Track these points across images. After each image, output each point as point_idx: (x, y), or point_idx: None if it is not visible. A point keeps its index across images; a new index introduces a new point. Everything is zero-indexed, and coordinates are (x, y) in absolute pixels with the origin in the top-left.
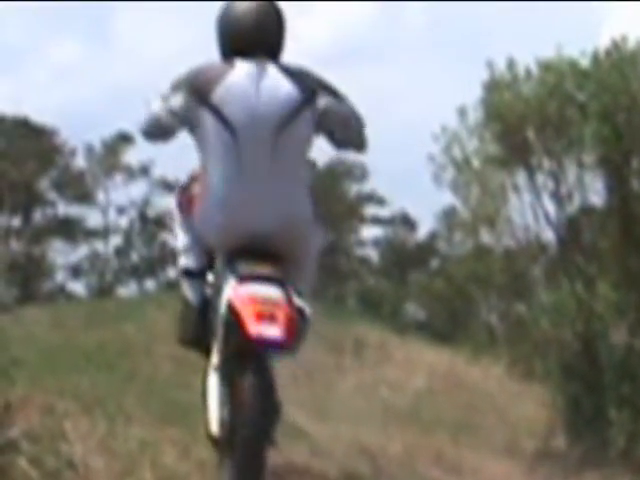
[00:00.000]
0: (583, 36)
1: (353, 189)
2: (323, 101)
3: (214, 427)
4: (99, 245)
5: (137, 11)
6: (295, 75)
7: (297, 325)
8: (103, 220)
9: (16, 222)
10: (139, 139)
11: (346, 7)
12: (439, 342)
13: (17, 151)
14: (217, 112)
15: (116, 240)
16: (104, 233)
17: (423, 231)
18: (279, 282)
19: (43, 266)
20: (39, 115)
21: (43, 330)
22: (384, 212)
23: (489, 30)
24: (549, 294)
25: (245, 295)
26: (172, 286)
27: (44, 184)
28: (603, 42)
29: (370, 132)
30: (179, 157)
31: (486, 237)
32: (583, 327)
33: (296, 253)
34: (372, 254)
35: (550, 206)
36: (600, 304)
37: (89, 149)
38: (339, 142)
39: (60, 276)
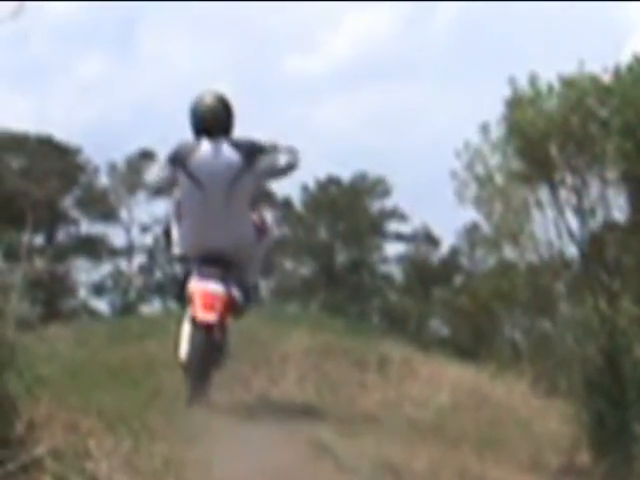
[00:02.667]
0: (605, 52)
1: (375, 205)
2: (261, 163)
3: (182, 355)
4: (122, 263)
5: (161, 28)
6: (241, 147)
7: (230, 308)
8: (126, 238)
9: (39, 240)
10: (162, 156)
11: (372, 25)
12: (463, 358)
13: (41, 169)
14: (191, 175)
15: (139, 258)
16: (127, 251)
17: (445, 247)
18: (223, 280)
19: (66, 284)
20: (63, 133)
21: (67, 348)
22: (406, 228)
23: (512, 47)
24: (572, 310)
25: (198, 289)
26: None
27: (67, 202)
28: (625, 58)
29: (393, 147)
30: None
31: (509, 253)
32: (606, 342)
33: (240, 261)
34: (395, 271)
35: (573, 222)
36: (623, 319)
37: (112, 167)
38: (276, 177)
39: (83, 294)
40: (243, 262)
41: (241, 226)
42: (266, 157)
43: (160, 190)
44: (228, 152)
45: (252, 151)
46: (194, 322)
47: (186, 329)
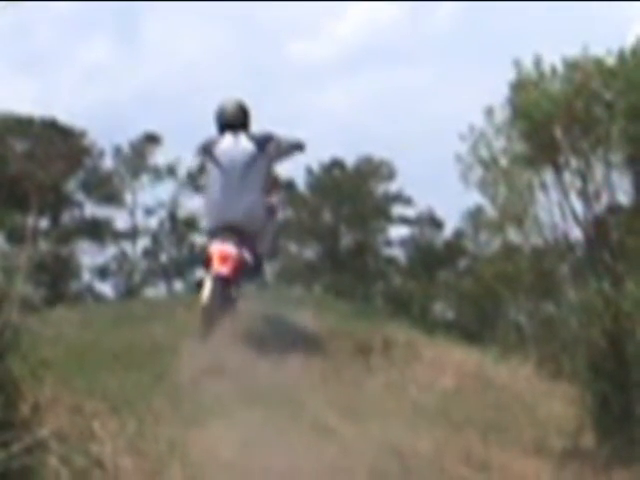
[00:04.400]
0: (609, 35)
1: (380, 189)
2: (270, 148)
3: (202, 301)
4: (127, 246)
5: (165, 13)
6: (255, 138)
7: (242, 266)
8: (131, 221)
9: (44, 223)
10: (166, 140)
11: (375, 9)
12: (467, 341)
13: (45, 153)
14: (215, 160)
15: (144, 241)
16: (132, 234)
17: (448, 230)
18: (237, 245)
19: (71, 267)
20: (67, 117)
21: (71, 331)
22: (410, 212)
23: (516, 29)
24: (577, 293)
25: (216, 249)
26: (200, 287)
27: (72, 185)
28: (629, 41)
29: (398, 131)
30: None
31: (514, 236)
32: (611, 325)
33: (252, 232)
34: (399, 254)
35: (578, 205)
36: (628, 302)
37: (117, 150)
38: (284, 156)
39: (87, 277)
40: (254, 233)
41: (253, 203)
42: (274, 142)
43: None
44: (245, 142)
45: (264, 140)
46: (213, 276)
47: (207, 283)
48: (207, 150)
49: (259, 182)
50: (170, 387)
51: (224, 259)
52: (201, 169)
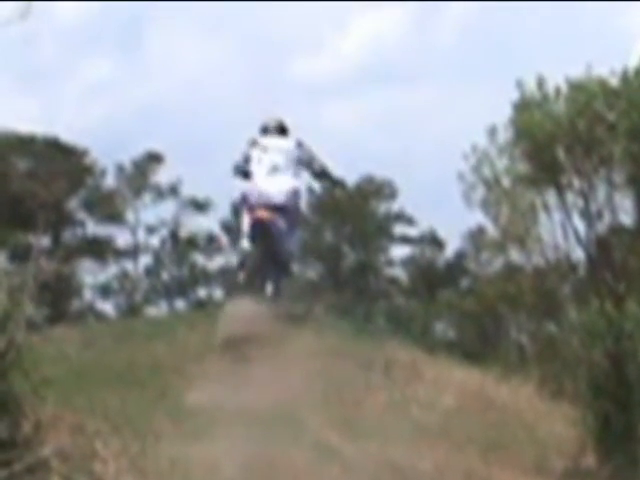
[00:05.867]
0: (613, 55)
1: (382, 208)
2: (305, 150)
3: (244, 244)
4: (128, 265)
5: (169, 29)
6: (293, 139)
7: (280, 229)
8: (132, 240)
9: (45, 242)
10: (168, 158)
11: (378, 28)
12: (469, 361)
13: (47, 171)
14: (259, 150)
15: (145, 260)
16: (133, 253)
17: (450, 250)
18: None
19: (73, 286)
20: (69, 134)
21: (73, 349)
22: (412, 231)
23: (519, 50)
24: (579, 313)
25: (259, 209)
26: (202, 306)
27: (74, 204)
28: (633, 61)
29: (400, 150)
30: (206, 176)
31: (516, 256)
32: (613, 346)
33: (286, 209)
34: (401, 273)
35: (580, 225)
36: (630, 323)
37: (119, 169)
38: (312, 170)
39: (89, 295)
40: (288, 211)
41: (290, 186)
42: (310, 150)
43: (237, 168)
44: (283, 139)
45: (299, 142)
46: (252, 221)
47: (245, 242)
48: (254, 142)
49: (292, 170)
50: (172, 405)
51: (265, 210)
52: (246, 159)
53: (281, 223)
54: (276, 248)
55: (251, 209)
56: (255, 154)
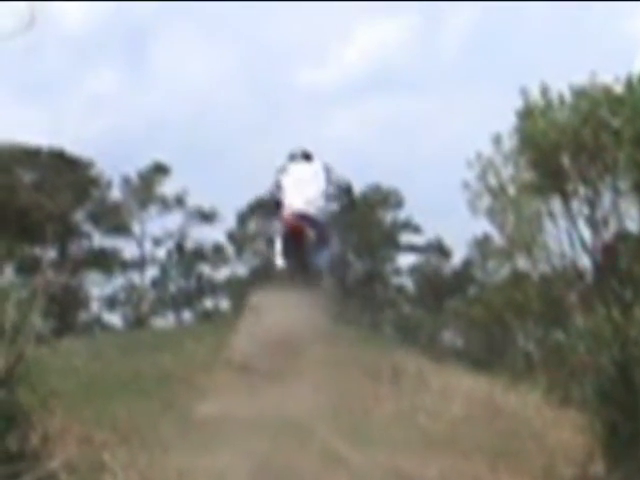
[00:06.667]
0: (617, 60)
1: (388, 217)
2: (329, 170)
3: (278, 262)
4: (135, 276)
5: (173, 39)
6: (318, 164)
7: (303, 230)
8: (139, 251)
9: (52, 254)
10: (174, 169)
11: (382, 37)
12: (476, 369)
13: (53, 183)
14: (288, 176)
15: (152, 272)
16: (140, 264)
17: (457, 258)
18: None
19: (79, 297)
20: (75, 146)
21: (81, 361)
22: (419, 240)
23: (523, 57)
24: (585, 320)
25: (292, 215)
26: (209, 317)
27: (80, 216)
28: (637, 68)
29: (405, 158)
30: (212, 186)
31: (522, 263)
32: (619, 353)
33: (318, 223)
34: (407, 282)
35: (586, 232)
36: (636, 329)
37: (125, 180)
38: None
39: (95, 307)
40: (318, 224)
41: (316, 200)
42: (335, 171)
43: (266, 201)
44: (310, 164)
45: (326, 166)
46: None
47: (278, 244)
48: (283, 169)
49: (319, 189)
50: (179, 416)
51: (295, 220)
52: (278, 186)
53: (312, 234)
54: (307, 260)
55: (283, 221)
56: (286, 180)
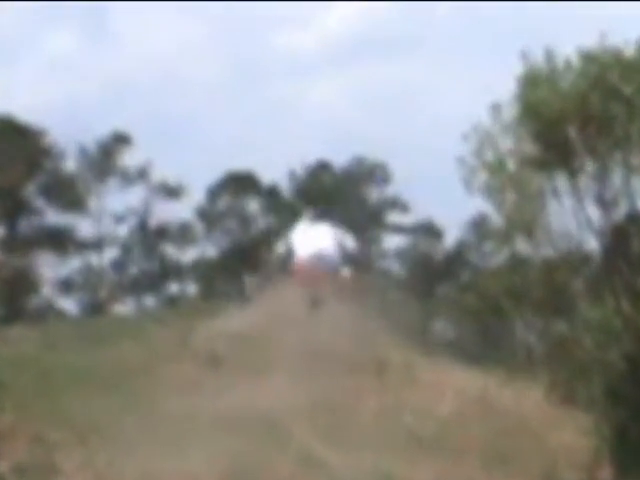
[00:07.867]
0: (628, 24)
1: (374, 194)
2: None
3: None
4: (92, 258)
5: (136, 4)
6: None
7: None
8: (97, 230)
9: (0, 232)
10: (136, 139)
11: None
12: (470, 363)
13: (1, 153)
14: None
15: (111, 252)
16: (98, 244)
17: (449, 240)
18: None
19: (30, 280)
20: (27, 113)
21: (32, 351)
22: (407, 219)
23: (525, 19)
24: (593, 310)
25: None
26: (174, 302)
27: (31, 190)
28: None
29: (393, 132)
30: (179, 159)
31: (522, 246)
32: (630, 347)
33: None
34: (394, 266)
35: (594, 212)
36: None
37: (82, 151)
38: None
39: (48, 291)
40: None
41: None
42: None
43: None
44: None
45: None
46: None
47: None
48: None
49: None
50: (143, 412)
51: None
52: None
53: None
54: None
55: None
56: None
